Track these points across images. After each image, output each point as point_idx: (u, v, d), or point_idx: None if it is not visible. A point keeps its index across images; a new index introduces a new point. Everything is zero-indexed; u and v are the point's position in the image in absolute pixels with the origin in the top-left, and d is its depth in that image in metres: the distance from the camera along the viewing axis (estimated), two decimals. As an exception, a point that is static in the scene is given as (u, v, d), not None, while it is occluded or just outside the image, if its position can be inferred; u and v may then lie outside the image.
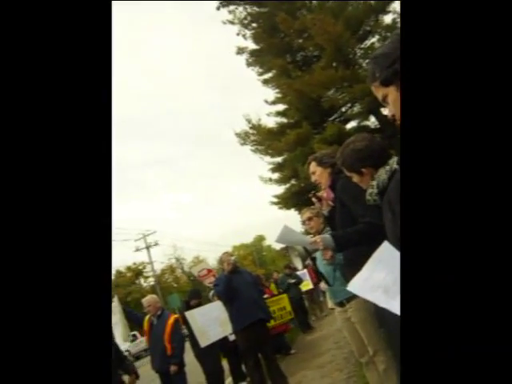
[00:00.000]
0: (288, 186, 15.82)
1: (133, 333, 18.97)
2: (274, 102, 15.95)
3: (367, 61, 12.48)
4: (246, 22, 15.30)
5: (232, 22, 15.28)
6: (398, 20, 12.63)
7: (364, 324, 2.60)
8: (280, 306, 7.03)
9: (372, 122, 14.36)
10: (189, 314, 4.86)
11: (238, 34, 15.38)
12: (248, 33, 15.33)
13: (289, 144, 13.98)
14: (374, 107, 12.58)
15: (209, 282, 6.26)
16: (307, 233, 3.00)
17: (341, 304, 2.84)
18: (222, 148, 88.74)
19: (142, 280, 36.41)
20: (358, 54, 14.05)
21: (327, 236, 2.20)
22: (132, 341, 19.19)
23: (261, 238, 58.70)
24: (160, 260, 36.32)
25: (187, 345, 4.85)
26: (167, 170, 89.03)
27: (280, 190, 16.23)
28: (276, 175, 16.17)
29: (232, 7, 15.11)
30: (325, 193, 2.55)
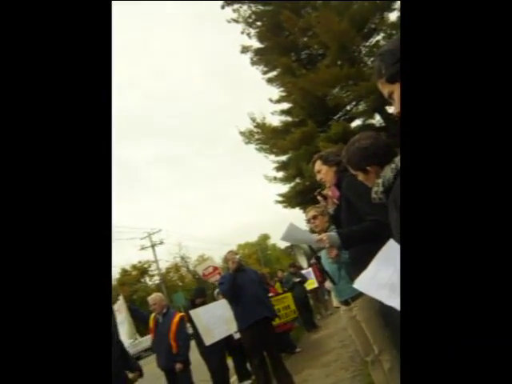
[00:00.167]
0: (293, 184, 15.83)
1: (131, 333, 18.92)
2: (278, 101, 15.94)
3: (372, 59, 12.43)
4: (250, 20, 15.30)
5: (236, 21, 15.29)
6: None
7: (369, 322, 2.59)
8: (284, 304, 7.03)
9: (377, 120, 14.33)
10: (194, 313, 4.87)
11: (242, 33, 15.42)
12: (252, 31, 15.35)
13: (293, 142, 13.98)
14: (378, 105, 12.54)
15: (214, 280, 6.28)
16: (312, 231, 2.99)
17: (346, 302, 2.84)
18: (227, 147, 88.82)
19: (147, 278, 36.59)
20: (363, 52, 14.01)
21: (333, 234, 2.19)
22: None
23: (265, 237, 58.77)
24: (165, 258, 36.50)
25: (192, 343, 4.86)
26: (172, 168, 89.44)
27: (285, 188, 16.27)
28: (281, 174, 16.19)
29: (236, 6, 15.12)
30: (330, 191, 2.55)
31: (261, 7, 15.15)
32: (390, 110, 11.75)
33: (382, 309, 2.09)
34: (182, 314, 4.89)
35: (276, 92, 15.99)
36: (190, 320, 4.91)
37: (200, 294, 5.71)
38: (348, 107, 14.62)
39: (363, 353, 2.85)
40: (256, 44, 15.70)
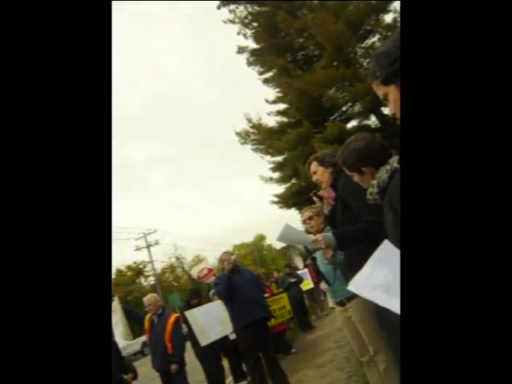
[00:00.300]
0: (288, 185, 15.83)
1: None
2: (274, 101, 15.94)
3: (368, 60, 12.48)
4: (246, 21, 15.29)
5: (233, 21, 15.27)
6: (399, 19, 12.61)
7: (364, 323, 2.60)
8: (280, 305, 7.03)
9: (373, 121, 14.37)
10: (189, 313, 4.86)
11: (238, 33, 15.40)
12: (248, 32, 15.34)
13: (289, 143, 13.99)
14: (374, 106, 12.58)
15: (209, 281, 6.27)
16: (308, 232, 3.00)
17: (341, 303, 2.84)
18: (223, 147, 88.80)
19: (142, 279, 36.44)
20: (359, 53, 14.05)
21: (329, 234, 2.20)
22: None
23: (261, 238, 58.69)
24: (160, 259, 36.33)
25: (188, 344, 4.85)
26: (167, 169, 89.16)
27: (280, 189, 16.26)
28: (276, 174, 16.19)
29: (233, 6, 15.10)
30: (326, 192, 2.55)
31: (257, 8, 15.14)
32: (386, 111, 11.81)
33: (378, 309, 2.09)
34: (177, 314, 4.87)
35: (272, 93, 16.01)
36: (186, 321, 4.90)
37: (195, 294, 5.70)
38: (344, 108, 14.65)
39: (358, 353, 2.85)
40: (252, 45, 15.71)
